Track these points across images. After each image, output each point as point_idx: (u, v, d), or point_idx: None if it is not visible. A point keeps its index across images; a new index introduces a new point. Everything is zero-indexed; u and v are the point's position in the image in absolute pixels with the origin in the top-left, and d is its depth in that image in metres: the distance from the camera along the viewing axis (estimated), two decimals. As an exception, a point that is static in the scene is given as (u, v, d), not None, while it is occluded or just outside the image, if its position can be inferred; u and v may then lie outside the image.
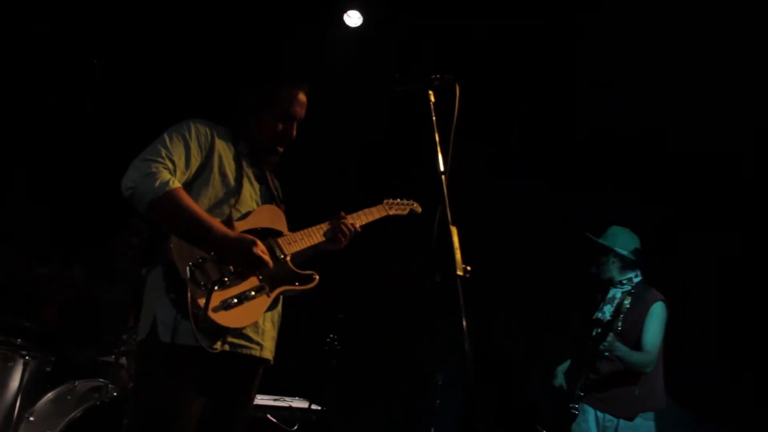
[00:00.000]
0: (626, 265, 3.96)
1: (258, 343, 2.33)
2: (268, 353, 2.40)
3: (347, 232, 2.57)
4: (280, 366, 5.02)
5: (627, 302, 3.72)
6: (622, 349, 3.66)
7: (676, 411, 6.17)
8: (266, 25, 5.67)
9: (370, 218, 2.74)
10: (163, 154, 2.23)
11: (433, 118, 1.97)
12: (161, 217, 2.17)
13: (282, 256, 2.38)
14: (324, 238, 2.54)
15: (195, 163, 2.31)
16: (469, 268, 1.80)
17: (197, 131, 2.35)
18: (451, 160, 1.89)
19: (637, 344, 3.76)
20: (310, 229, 2.54)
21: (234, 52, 5.42)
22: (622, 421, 3.73)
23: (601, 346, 3.65)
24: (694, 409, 6.13)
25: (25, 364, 3.75)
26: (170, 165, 2.23)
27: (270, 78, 2.48)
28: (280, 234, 2.44)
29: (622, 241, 3.97)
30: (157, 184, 2.14)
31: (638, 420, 3.69)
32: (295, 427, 4.50)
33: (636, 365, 3.71)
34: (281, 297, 2.45)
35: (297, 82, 2.48)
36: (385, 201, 2.86)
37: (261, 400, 4.57)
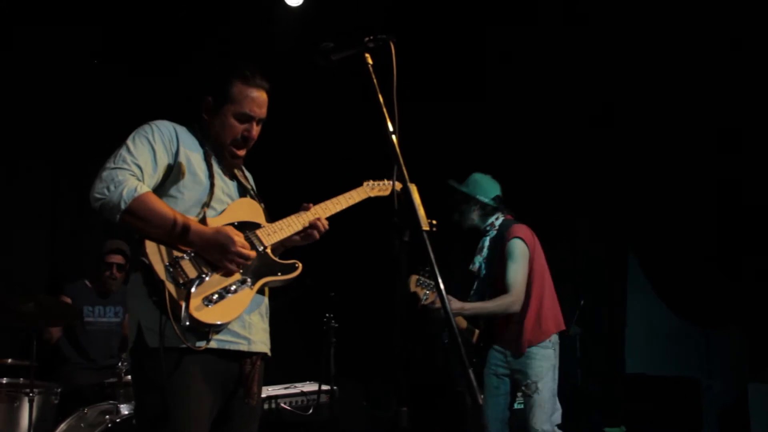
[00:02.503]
0: (487, 212, 3.98)
1: (245, 338, 2.30)
2: (260, 346, 2.37)
3: (321, 226, 2.53)
4: (285, 354, 5.08)
5: (480, 250, 3.88)
6: (468, 308, 3.73)
7: (679, 322, 6.33)
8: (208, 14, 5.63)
9: (351, 202, 2.69)
10: (128, 161, 2.20)
11: (374, 80, 1.96)
12: (134, 224, 2.15)
13: (262, 248, 2.36)
14: (303, 227, 2.50)
15: (162, 164, 2.28)
16: (434, 222, 1.80)
17: (160, 133, 2.31)
18: (398, 118, 1.88)
19: (504, 286, 3.81)
20: (289, 218, 2.51)
21: (190, 52, 5.38)
22: (517, 355, 3.81)
23: (436, 315, 3.69)
24: (696, 317, 6.28)
25: (30, 401, 3.75)
26: (137, 170, 2.20)
27: (224, 78, 2.42)
28: (258, 226, 2.42)
29: (484, 188, 3.98)
30: (125, 192, 2.13)
31: (533, 349, 3.76)
32: (310, 411, 4.56)
33: (496, 311, 3.77)
34: (266, 288, 2.43)
35: (251, 80, 2.41)
36: (365, 183, 2.81)
37: (273, 390, 4.62)
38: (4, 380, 3.94)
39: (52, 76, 5.21)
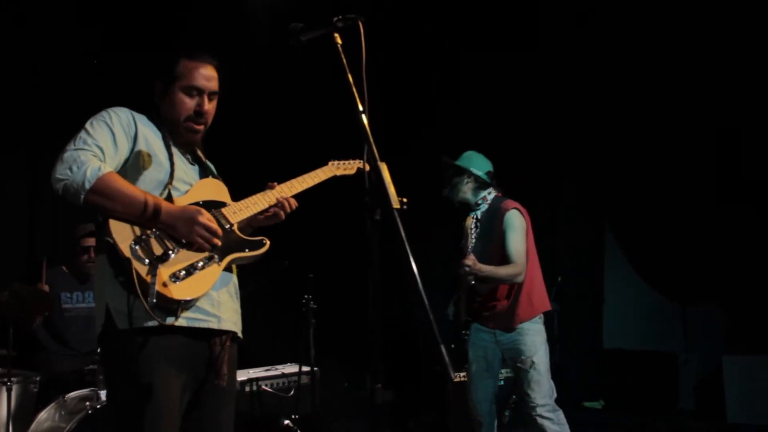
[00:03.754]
0: (480, 185, 4.03)
1: (215, 316, 2.29)
2: (230, 325, 2.35)
3: (287, 205, 2.52)
4: (265, 336, 5.09)
5: (470, 224, 3.92)
6: (486, 269, 3.76)
7: (656, 298, 6.41)
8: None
9: (317, 180, 2.68)
10: (90, 142, 2.19)
11: (343, 60, 1.95)
12: (98, 205, 2.13)
13: (228, 226, 2.35)
14: (269, 205, 2.50)
15: (123, 148, 2.27)
16: (405, 200, 1.81)
17: (118, 117, 2.30)
18: (368, 97, 1.88)
19: (504, 258, 3.85)
20: (254, 197, 2.50)
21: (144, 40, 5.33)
22: (507, 332, 3.85)
23: (461, 271, 3.76)
24: (673, 292, 6.37)
25: (9, 390, 3.73)
26: (98, 152, 2.19)
27: (170, 59, 2.41)
28: (223, 204, 2.41)
29: (477, 163, 4.05)
30: (89, 171, 2.11)
31: (524, 325, 3.81)
32: (291, 393, 4.58)
33: (506, 279, 3.82)
34: (234, 267, 2.43)
35: (196, 56, 2.41)
36: (330, 162, 2.81)
37: (254, 372, 4.64)
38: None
39: (27, 61, 5.16)
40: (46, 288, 4.56)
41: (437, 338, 1.65)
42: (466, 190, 4.04)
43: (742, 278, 5.81)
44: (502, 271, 3.81)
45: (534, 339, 3.80)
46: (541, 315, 3.88)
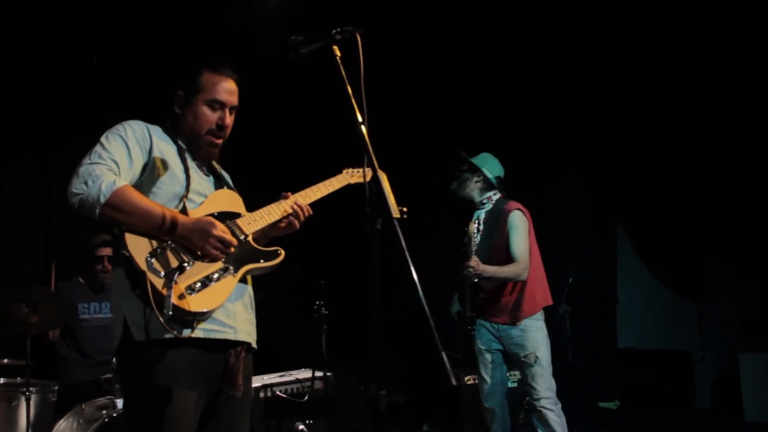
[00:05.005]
0: (488, 186, 4.14)
1: (231, 327, 2.30)
2: (245, 336, 2.37)
3: (301, 214, 2.54)
4: (278, 342, 5.12)
5: (472, 228, 4.02)
6: (489, 270, 3.88)
7: (670, 296, 6.38)
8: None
9: (331, 189, 2.71)
10: (104, 156, 2.21)
11: (342, 71, 1.98)
12: (114, 218, 2.15)
13: (243, 237, 2.37)
14: (284, 215, 2.52)
15: (138, 161, 2.29)
16: (405, 209, 1.84)
17: (133, 130, 2.33)
18: (367, 108, 1.91)
19: (507, 257, 3.96)
20: (268, 207, 2.51)
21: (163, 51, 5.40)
22: (510, 327, 3.96)
23: (466, 273, 3.87)
24: (687, 290, 6.34)
25: (27, 400, 3.78)
26: (113, 165, 2.21)
27: (193, 70, 2.44)
28: (238, 215, 2.43)
29: (491, 165, 4.16)
30: (104, 185, 2.13)
31: (526, 321, 3.93)
32: (305, 398, 4.61)
33: (510, 277, 3.93)
34: (249, 277, 2.44)
35: (219, 69, 2.44)
36: (345, 170, 2.82)
37: (268, 378, 4.67)
38: (1, 380, 3.98)
39: (42, 71, 5.24)
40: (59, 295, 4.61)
41: (438, 344, 1.67)
42: (474, 188, 4.15)
43: (757, 274, 5.77)
44: (506, 270, 3.92)
45: (536, 335, 3.92)
46: (542, 311, 4.01)
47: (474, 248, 4.03)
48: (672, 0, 5.77)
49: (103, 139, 2.28)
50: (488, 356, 4.04)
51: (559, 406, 3.88)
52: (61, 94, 5.32)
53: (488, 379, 4.04)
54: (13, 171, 5.23)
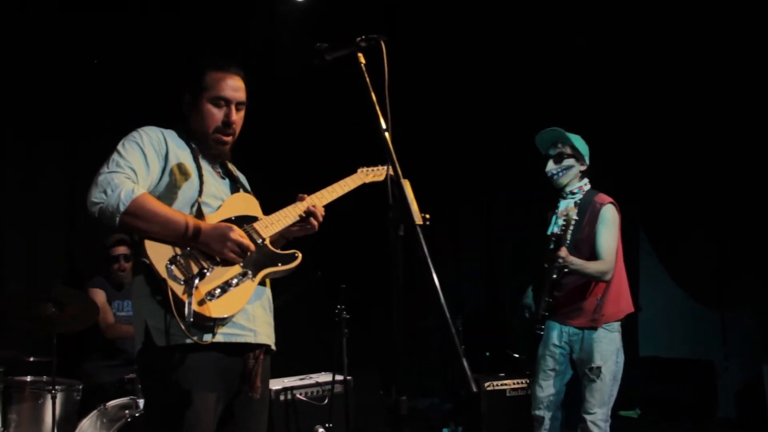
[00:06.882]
0: (583, 175, 3.88)
1: (251, 330, 2.33)
2: (265, 338, 2.39)
3: (318, 215, 2.55)
4: (299, 346, 5.15)
5: (573, 213, 3.61)
6: (576, 263, 3.58)
7: (692, 305, 6.31)
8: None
9: (347, 189, 2.71)
10: (122, 165, 2.24)
11: (366, 78, 2.00)
12: (134, 226, 2.19)
13: (260, 240, 2.39)
14: (300, 217, 2.53)
15: (155, 167, 2.32)
16: (427, 216, 1.85)
17: (149, 137, 2.35)
18: (390, 116, 1.92)
19: (592, 253, 3.69)
20: (285, 209, 2.52)
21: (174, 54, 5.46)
22: (586, 332, 3.68)
23: (556, 264, 3.57)
24: (710, 299, 6.26)
25: (53, 398, 3.84)
26: (131, 173, 2.24)
27: (197, 70, 2.46)
28: (255, 219, 2.45)
29: (587, 153, 3.90)
30: (123, 194, 2.17)
31: (601, 331, 3.66)
32: (325, 402, 4.63)
33: (594, 275, 3.65)
34: (267, 281, 2.47)
35: (223, 66, 2.45)
36: (360, 169, 2.84)
37: (288, 382, 4.70)
38: (29, 378, 4.05)
39: (70, 71, 5.32)
40: (97, 296, 4.67)
41: (459, 351, 1.68)
42: (572, 176, 3.83)
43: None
44: (592, 266, 3.63)
45: (608, 348, 3.63)
46: (619, 322, 3.71)
47: (568, 239, 3.61)
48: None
49: (119, 147, 2.31)
50: (551, 363, 3.75)
51: (609, 423, 3.63)
52: (86, 96, 5.39)
53: (543, 387, 3.75)
54: (39, 172, 5.31)
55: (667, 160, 6.27)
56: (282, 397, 4.53)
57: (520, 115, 6.45)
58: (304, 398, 4.62)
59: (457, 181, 7.13)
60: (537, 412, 3.77)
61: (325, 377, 4.79)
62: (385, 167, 2.81)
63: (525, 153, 4.51)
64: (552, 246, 3.69)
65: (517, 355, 4.09)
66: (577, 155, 3.84)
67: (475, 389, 1.68)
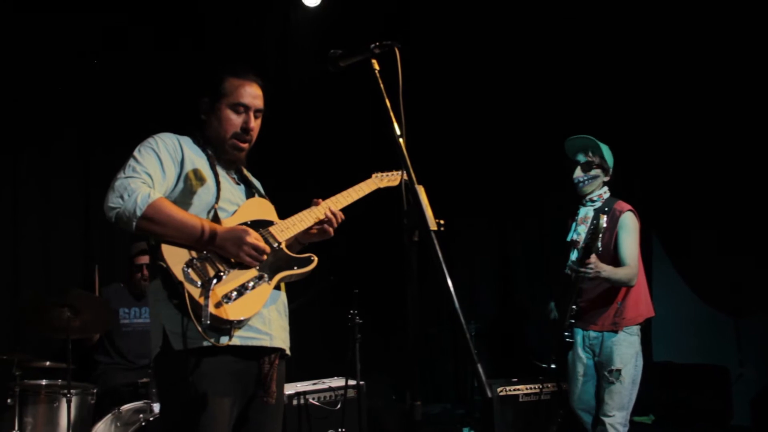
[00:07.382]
0: (605, 183, 3.95)
1: (267, 334, 2.35)
2: (280, 342, 2.41)
3: (334, 220, 2.57)
4: (312, 350, 5.15)
5: (603, 221, 3.64)
6: (607, 269, 3.65)
7: (707, 310, 6.26)
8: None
9: (361, 193, 2.73)
10: (139, 170, 2.27)
11: (381, 85, 2.01)
12: (151, 229, 2.21)
13: (276, 245, 2.40)
14: (315, 221, 2.54)
15: (171, 172, 2.34)
16: (442, 222, 1.85)
17: (164, 143, 2.38)
18: (405, 122, 1.93)
19: (614, 259, 3.75)
20: (300, 214, 2.54)
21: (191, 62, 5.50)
22: (606, 335, 3.75)
23: (586, 271, 3.61)
24: (725, 305, 6.21)
25: (68, 402, 3.88)
26: (147, 179, 2.27)
27: (216, 75, 2.49)
28: (271, 224, 2.47)
29: (611, 161, 3.95)
30: (140, 198, 2.19)
31: (621, 334, 3.72)
32: (338, 406, 4.63)
33: (623, 281, 3.71)
34: (283, 285, 2.48)
35: (242, 73, 2.48)
36: (374, 174, 2.85)
37: (301, 386, 4.70)
38: (44, 382, 4.09)
39: (82, 78, 5.38)
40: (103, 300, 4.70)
41: (474, 356, 1.68)
42: (596, 184, 3.92)
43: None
44: (621, 272, 3.70)
45: (627, 351, 3.70)
46: (639, 326, 3.77)
47: (600, 247, 3.68)
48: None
49: (135, 152, 2.34)
50: (580, 369, 3.84)
51: (627, 428, 3.69)
52: (102, 102, 5.45)
53: (580, 391, 3.84)
54: (55, 176, 5.37)
55: (681, 164, 6.23)
56: (295, 402, 4.54)
57: (535, 121, 6.44)
58: (317, 403, 4.62)
59: (471, 187, 7.12)
60: (579, 416, 3.86)
61: (337, 382, 4.79)
62: (400, 173, 2.77)
63: (539, 158, 4.51)
64: (577, 254, 3.79)
65: (545, 365, 4.10)
66: (604, 166, 3.92)
67: (490, 395, 1.69)
